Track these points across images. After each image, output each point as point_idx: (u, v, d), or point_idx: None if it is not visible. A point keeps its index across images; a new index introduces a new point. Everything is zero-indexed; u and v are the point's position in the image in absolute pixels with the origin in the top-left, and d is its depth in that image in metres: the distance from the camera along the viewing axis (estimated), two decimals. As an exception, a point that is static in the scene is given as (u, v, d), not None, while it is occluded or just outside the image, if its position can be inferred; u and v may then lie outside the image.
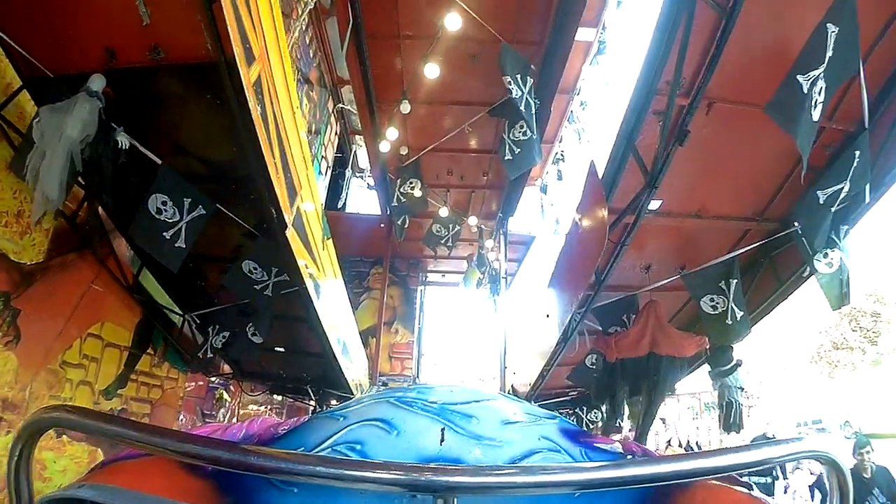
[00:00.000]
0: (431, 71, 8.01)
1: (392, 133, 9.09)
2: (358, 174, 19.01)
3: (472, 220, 13.02)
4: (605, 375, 7.37)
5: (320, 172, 16.05)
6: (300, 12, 11.07)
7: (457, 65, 8.50)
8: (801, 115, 3.81)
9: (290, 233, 5.26)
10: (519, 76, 6.72)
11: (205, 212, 5.28)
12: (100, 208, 6.15)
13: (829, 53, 3.77)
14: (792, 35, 4.11)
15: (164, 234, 5.19)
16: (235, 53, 3.76)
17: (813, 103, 3.88)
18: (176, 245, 5.26)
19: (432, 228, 12.23)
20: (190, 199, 5.22)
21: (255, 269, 6.20)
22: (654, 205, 5.73)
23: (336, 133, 17.45)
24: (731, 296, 6.15)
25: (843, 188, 4.99)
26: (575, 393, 10.99)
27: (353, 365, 10.12)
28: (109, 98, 4.68)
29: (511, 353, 12.59)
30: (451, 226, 12.16)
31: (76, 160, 4.32)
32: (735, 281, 6.16)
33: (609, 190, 5.57)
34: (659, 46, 4.65)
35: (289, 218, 5.14)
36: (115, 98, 4.74)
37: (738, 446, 1.52)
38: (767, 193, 6.34)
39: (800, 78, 3.78)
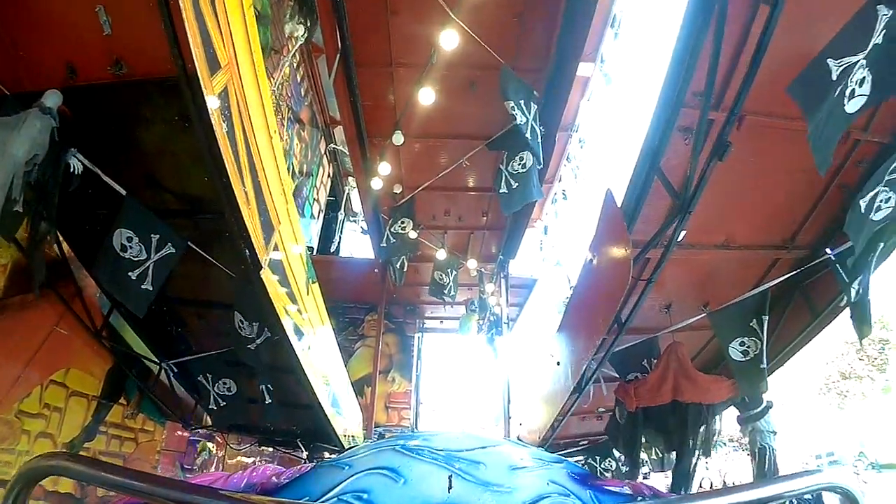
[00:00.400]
0: (426, 100, 7.47)
1: (384, 168, 8.48)
2: (352, 218, 18.54)
3: (472, 264, 12.35)
4: (627, 426, 6.65)
5: (312, 216, 15.63)
6: (291, 48, 10.75)
7: (454, 94, 7.97)
8: (825, 102, 3.23)
9: (266, 275, 4.61)
10: (522, 101, 6.21)
11: (174, 251, 4.72)
12: (64, 243, 5.59)
13: (877, 40, 3.17)
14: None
15: (130, 273, 4.64)
16: (195, 56, 3.17)
17: (849, 93, 3.28)
18: (142, 287, 4.70)
19: (435, 276, 11.59)
20: (158, 236, 4.67)
21: (243, 322, 5.60)
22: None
23: (329, 175, 17.09)
24: (765, 335, 5.53)
25: (877, 192, 4.39)
26: (586, 442, 10.28)
27: (345, 417, 9.44)
28: (67, 118, 4.21)
29: (515, 401, 11.86)
30: (449, 270, 11.53)
31: (16, 184, 3.73)
32: (766, 318, 5.55)
33: (630, 220, 4.97)
34: (685, 53, 4.10)
35: (264, 258, 4.49)
36: (75, 119, 4.30)
37: (751, 482, 1.63)
38: (798, 217, 5.76)
39: (830, 62, 3.21)
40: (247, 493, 1.70)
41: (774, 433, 7.38)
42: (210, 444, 10.89)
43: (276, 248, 4.76)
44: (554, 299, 14.78)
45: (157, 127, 4.58)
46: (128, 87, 4.27)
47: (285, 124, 12.98)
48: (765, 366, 5.63)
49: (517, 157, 6.91)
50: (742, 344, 5.58)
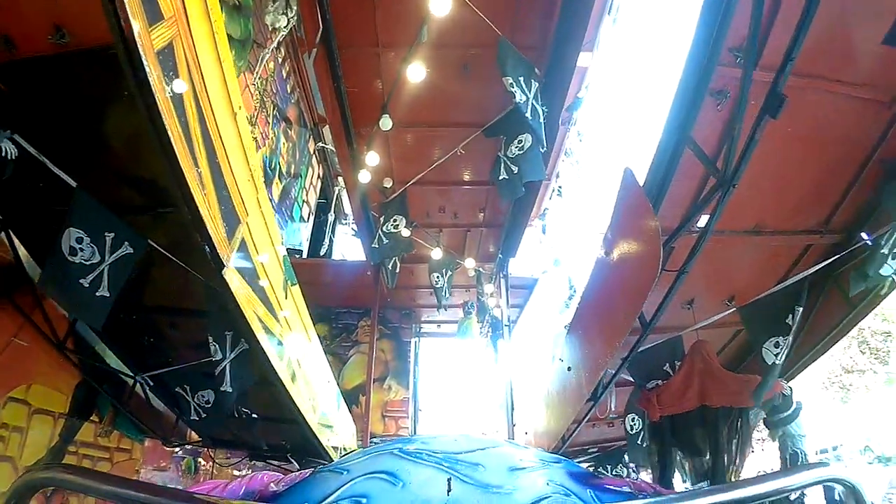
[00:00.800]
0: (416, 78, 6.78)
1: (373, 158, 7.75)
2: (343, 221, 17.92)
3: (470, 263, 11.69)
4: (652, 440, 5.97)
5: (302, 218, 15.09)
6: (274, 40, 10.17)
7: (446, 77, 7.29)
8: None
9: (231, 274, 3.96)
10: (522, 78, 5.61)
11: (132, 250, 4.07)
12: (20, 246, 5.06)
13: None
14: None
15: (81, 280, 3.95)
16: (127, 2, 2.53)
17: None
18: (97, 294, 4.00)
19: (432, 279, 10.93)
20: (113, 234, 4.00)
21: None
22: (703, 221, 4.55)
23: (319, 176, 16.54)
24: (794, 333, 4.92)
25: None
26: (596, 449, 9.69)
27: (336, 430, 8.88)
28: (3, 94, 3.77)
29: (519, 408, 11.21)
30: (444, 271, 10.88)
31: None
32: (801, 310, 4.94)
33: (655, 202, 4.30)
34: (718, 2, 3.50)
35: (226, 254, 3.83)
36: (16, 98, 3.82)
37: (753, 477, 1.46)
38: (833, 198, 5.15)
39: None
40: (245, 500, 1.70)
41: (805, 437, 6.80)
42: (200, 460, 10.38)
43: (243, 244, 4.09)
44: (555, 300, 14.26)
45: (108, 106, 3.99)
46: (72, 59, 3.71)
47: (271, 122, 12.50)
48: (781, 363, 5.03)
49: (515, 141, 6.28)
50: (776, 345, 4.90)
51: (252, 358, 4.85)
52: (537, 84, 5.86)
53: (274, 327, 4.96)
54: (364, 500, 1.53)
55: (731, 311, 5.17)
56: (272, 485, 1.78)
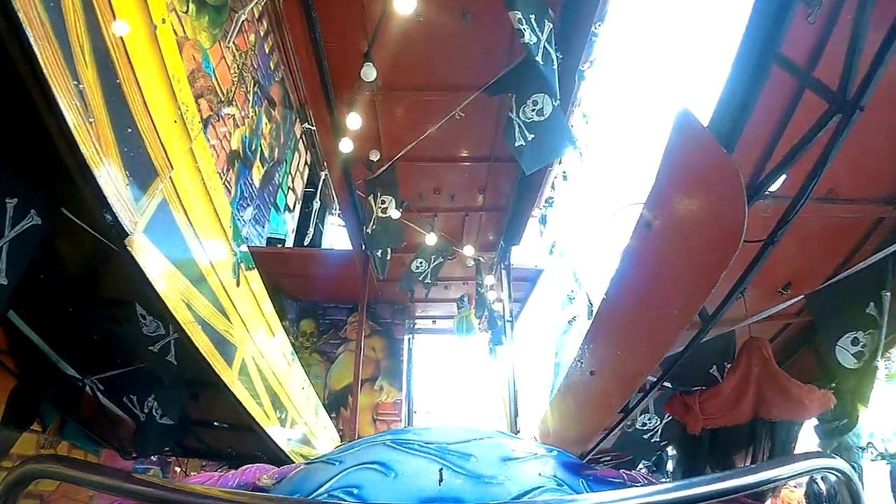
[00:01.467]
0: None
1: (355, 121, 6.59)
2: (332, 210, 16.97)
3: (469, 251, 10.70)
4: (682, 451, 4.97)
5: (287, 207, 14.20)
6: (251, 3, 9.28)
7: (442, 27, 6.27)
8: None
9: (140, 248, 2.94)
10: (533, 17, 4.62)
11: (40, 221, 3.19)
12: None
13: None
14: None
15: None
16: None
17: None
18: (-8, 282, 3.08)
19: (412, 266, 9.93)
20: (15, 201, 3.10)
21: (145, 316, 4.14)
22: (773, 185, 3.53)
23: (306, 163, 15.61)
24: (885, 322, 3.94)
25: None
26: (609, 458, 8.71)
27: (315, 439, 8.09)
28: None
29: (523, 413, 10.21)
30: (433, 257, 9.89)
31: None
32: (889, 295, 3.96)
33: (728, 144, 3.19)
34: None
35: (131, 215, 2.82)
36: None
37: (747, 467, 1.50)
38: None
39: None
40: (237, 491, 1.63)
41: (863, 449, 5.84)
42: (175, 468, 9.40)
43: (163, 207, 3.04)
44: (558, 293, 13.40)
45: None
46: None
47: (251, 99, 11.65)
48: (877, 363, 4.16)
49: (529, 102, 5.24)
50: (855, 342, 3.99)
51: (187, 354, 3.87)
52: (551, 25, 4.87)
53: (217, 323, 3.91)
54: (356, 490, 1.48)
55: (796, 299, 4.14)
56: (264, 477, 1.77)
